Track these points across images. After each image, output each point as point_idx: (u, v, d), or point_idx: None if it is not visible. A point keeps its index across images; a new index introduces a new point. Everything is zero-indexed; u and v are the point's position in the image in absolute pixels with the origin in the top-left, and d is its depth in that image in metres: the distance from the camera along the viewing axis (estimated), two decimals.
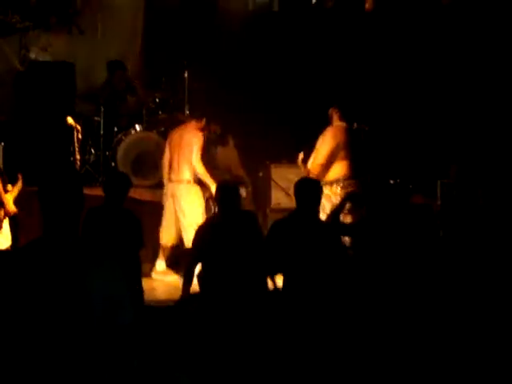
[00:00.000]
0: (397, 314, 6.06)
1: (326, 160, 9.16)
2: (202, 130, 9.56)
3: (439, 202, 9.38)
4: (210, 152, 11.06)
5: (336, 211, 7.28)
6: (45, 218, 3.64)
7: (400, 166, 10.96)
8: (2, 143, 8.66)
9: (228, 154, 10.98)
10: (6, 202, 8.23)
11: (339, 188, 9.16)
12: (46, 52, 11.93)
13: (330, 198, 8.96)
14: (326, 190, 8.84)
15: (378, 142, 10.89)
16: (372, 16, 10.66)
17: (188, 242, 8.78)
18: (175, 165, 9.46)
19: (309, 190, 6.63)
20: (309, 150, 9.45)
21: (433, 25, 11.36)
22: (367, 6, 10.13)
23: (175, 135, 9.60)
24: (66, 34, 12.00)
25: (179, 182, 9.43)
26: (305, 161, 9.31)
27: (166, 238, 9.51)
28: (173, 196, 9.44)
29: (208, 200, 9.52)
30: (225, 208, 6.84)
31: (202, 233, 6.92)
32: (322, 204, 8.92)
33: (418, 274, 6.33)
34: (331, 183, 9.10)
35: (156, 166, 10.09)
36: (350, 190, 9.22)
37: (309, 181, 7.26)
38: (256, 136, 11.18)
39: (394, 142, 11.57)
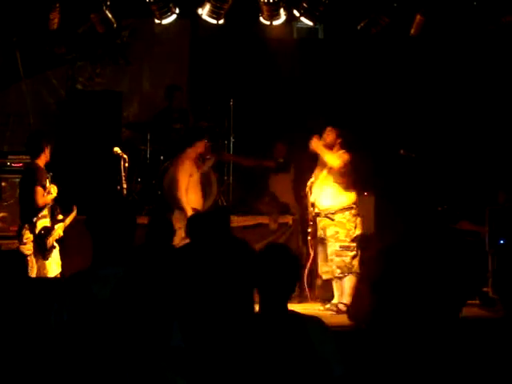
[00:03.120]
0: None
1: None
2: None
3: (487, 229, 9.26)
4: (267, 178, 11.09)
5: None
6: (94, 246, 3.65)
7: (448, 193, 10.86)
8: (51, 173, 8.71)
9: (284, 181, 10.99)
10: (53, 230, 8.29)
11: (352, 214, 9.00)
12: (93, 82, 12.05)
13: (343, 225, 8.93)
14: (339, 217, 8.87)
15: (426, 169, 10.81)
16: (417, 41, 10.57)
17: None
18: None
19: None
20: None
21: (480, 49, 11.26)
22: (412, 31, 10.04)
23: None
24: (113, 65, 12.12)
25: None
26: None
27: None
28: None
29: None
30: None
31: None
32: (335, 231, 8.88)
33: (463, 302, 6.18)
34: (344, 210, 8.98)
35: (203, 195, 10.08)
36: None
37: None
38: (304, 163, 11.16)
39: (441, 169, 11.46)
